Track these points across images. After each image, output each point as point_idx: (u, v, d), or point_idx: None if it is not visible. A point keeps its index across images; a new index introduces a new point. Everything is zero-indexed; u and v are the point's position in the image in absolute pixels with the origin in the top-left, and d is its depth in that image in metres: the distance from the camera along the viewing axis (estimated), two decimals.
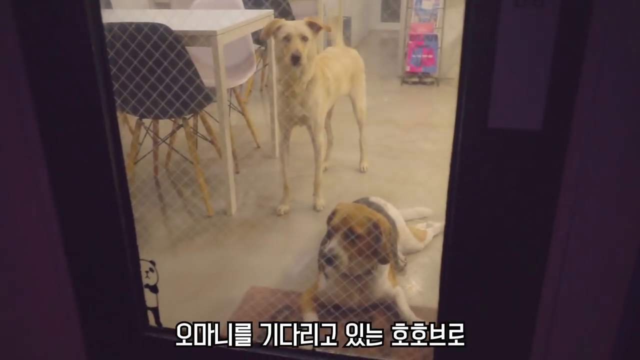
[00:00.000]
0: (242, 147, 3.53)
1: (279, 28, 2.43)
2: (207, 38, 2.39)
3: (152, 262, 1.41)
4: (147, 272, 1.41)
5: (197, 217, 2.68)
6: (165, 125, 3.06)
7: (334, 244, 1.85)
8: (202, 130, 3.14)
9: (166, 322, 1.51)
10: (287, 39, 2.40)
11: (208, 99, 2.55)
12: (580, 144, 1.04)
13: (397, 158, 3.37)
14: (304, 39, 2.41)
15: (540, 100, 1.02)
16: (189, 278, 2.18)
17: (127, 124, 3.43)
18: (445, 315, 1.25)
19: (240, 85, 4.66)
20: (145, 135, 2.89)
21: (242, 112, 3.39)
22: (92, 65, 1.17)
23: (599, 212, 1.07)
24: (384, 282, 1.93)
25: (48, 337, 1.43)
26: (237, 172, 3.15)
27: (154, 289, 1.43)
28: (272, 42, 2.99)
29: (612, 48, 0.96)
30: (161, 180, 3.13)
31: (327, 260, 1.85)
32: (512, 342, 1.22)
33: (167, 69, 2.36)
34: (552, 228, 1.11)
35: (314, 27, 2.46)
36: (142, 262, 1.38)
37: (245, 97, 4.52)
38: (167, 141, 3.09)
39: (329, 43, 5.23)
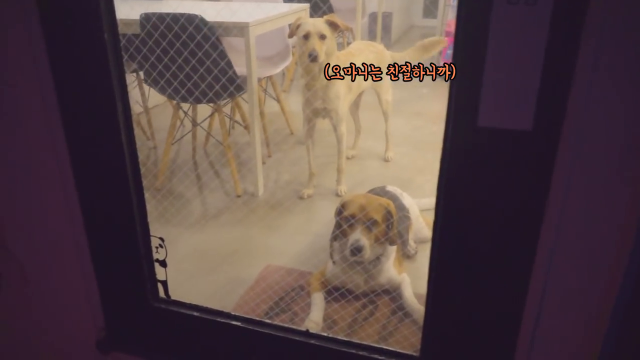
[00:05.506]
0: (277, 132, 3.51)
1: (298, 26, 2.36)
2: (240, 29, 2.36)
3: (162, 239, 1.39)
4: (157, 247, 1.40)
5: (226, 197, 2.68)
6: (204, 109, 3.06)
7: (358, 235, 1.76)
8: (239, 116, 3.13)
9: (184, 294, 1.47)
10: (306, 37, 2.33)
11: (239, 89, 2.52)
12: (571, 145, 0.94)
13: (421, 149, 3.26)
14: (322, 37, 2.33)
15: (530, 100, 0.94)
16: (211, 253, 2.18)
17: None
18: (433, 304, 1.19)
19: (283, 74, 4.64)
20: (184, 118, 2.90)
21: (278, 100, 3.35)
22: (106, 54, 1.15)
23: (588, 213, 0.98)
24: (389, 268, 1.87)
25: (72, 305, 1.46)
26: (269, 156, 3.13)
27: (163, 263, 1.42)
28: None
29: (607, 48, 0.86)
30: (199, 161, 3.14)
31: (352, 251, 1.76)
32: (499, 331, 1.15)
33: (201, 59, 2.34)
34: (540, 226, 1.02)
35: (333, 25, 2.37)
36: (152, 239, 1.37)
37: (287, 87, 4.48)
38: (205, 125, 3.09)
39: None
